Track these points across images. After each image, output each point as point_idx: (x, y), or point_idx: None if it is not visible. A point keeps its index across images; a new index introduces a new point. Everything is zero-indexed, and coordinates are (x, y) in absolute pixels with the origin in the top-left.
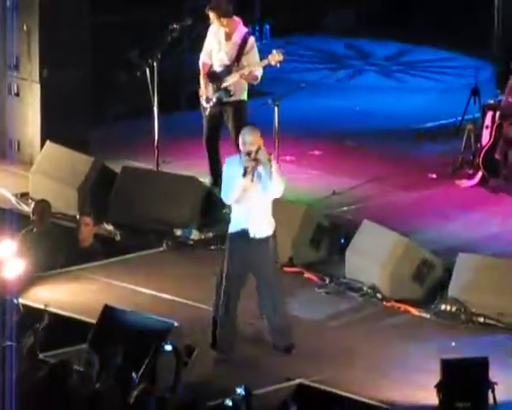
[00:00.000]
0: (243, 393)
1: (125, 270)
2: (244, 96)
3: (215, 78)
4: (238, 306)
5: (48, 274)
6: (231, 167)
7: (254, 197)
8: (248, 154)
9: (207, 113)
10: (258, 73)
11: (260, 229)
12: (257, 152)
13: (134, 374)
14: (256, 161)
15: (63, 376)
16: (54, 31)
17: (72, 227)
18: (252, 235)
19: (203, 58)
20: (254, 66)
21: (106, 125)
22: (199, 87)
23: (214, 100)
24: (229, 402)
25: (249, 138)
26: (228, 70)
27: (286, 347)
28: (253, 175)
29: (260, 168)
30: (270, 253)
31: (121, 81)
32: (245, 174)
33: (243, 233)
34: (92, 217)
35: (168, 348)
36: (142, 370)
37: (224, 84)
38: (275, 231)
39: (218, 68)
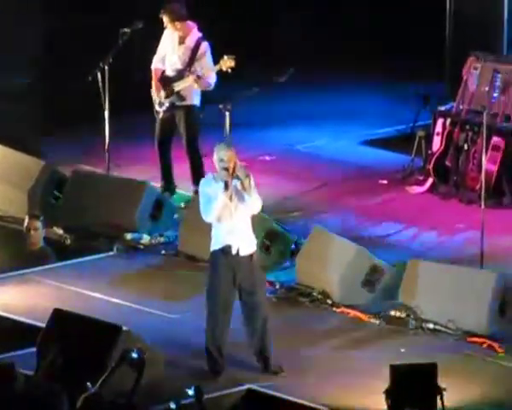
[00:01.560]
0: (194, 394)
1: (75, 274)
2: (196, 101)
3: (167, 82)
4: (226, 332)
5: None
6: (208, 185)
7: (235, 214)
8: (226, 170)
9: (160, 117)
10: (211, 79)
11: (243, 246)
12: (234, 168)
13: (88, 379)
14: (233, 176)
15: (8, 378)
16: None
17: (21, 230)
18: (234, 251)
19: (156, 63)
20: (207, 71)
21: (57, 128)
22: (151, 91)
23: (167, 104)
24: (172, 405)
25: (225, 155)
26: (180, 74)
27: (275, 369)
28: (231, 191)
29: (239, 184)
30: (257, 272)
31: (73, 85)
32: (226, 188)
33: (227, 250)
34: (41, 220)
35: (134, 355)
36: (103, 377)
37: (177, 89)
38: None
39: (170, 73)
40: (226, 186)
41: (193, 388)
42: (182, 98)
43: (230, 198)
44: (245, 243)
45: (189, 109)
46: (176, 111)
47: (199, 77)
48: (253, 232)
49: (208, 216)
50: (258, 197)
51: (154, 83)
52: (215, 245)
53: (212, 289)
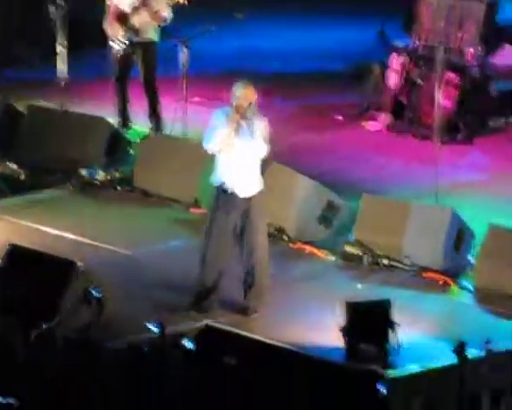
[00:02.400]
0: (156, 329)
1: (29, 209)
2: (154, 37)
3: (124, 18)
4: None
5: None
6: (217, 117)
7: (238, 153)
8: (237, 108)
9: (117, 54)
10: (167, 13)
11: (240, 186)
12: (247, 107)
13: (43, 315)
14: (242, 115)
15: None
16: None
17: None
18: (230, 190)
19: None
20: (162, 5)
21: (13, 64)
22: (107, 28)
23: (125, 41)
24: (133, 342)
25: (240, 92)
26: (136, 10)
27: (243, 308)
28: (238, 129)
29: (246, 124)
30: (254, 216)
31: (30, 22)
32: (230, 123)
33: (223, 187)
34: None
35: (95, 293)
36: (60, 313)
37: (133, 25)
38: (262, 195)
39: (126, 9)
40: (229, 124)
41: (155, 323)
42: (139, 34)
43: (233, 134)
44: (243, 184)
45: (148, 45)
46: (134, 47)
47: (154, 11)
48: (258, 175)
49: (206, 144)
50: (262, 143)
51: (110, 20)
52: (214, 179)
53: (208, 227)
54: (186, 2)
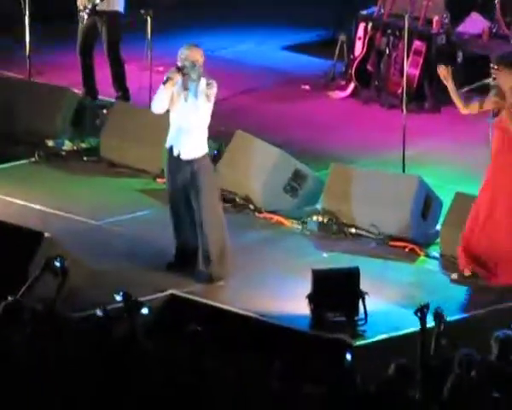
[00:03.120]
0: (122, 299)
1: None
2: (119, 8)
3: None
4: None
5: None
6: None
7: (180, 114)
8: (179, 68)
9: (83, 23)
10: None
11: (184, 149)
12: (190, 68)
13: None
14: (183, 74)
15: None
16: None
17: None
18: (176, 153)
19: None
20: None
21: None
22: None
23: (90, 7)
24: (99, 312)
25: (184, 53)
26: None
27: (205, 276)
28: (178, 89)
29: (189, 84)
30: (200, 177)
31: None
32: (165, 83)
33: (171, 150)
34: None
35: (57, 263)
36: (25, 286)
37: None
38: (210, 159)
39: None
40: (166, 81)
41: (121, 293)
42: (105, 2)
43: (172, 93)
44: (187, 146)
45: (112, 15)
46: (98, 17)
47: None
48: (203, 138)
49: (151, 105)
50: (205, 104)
51: None
52: (167, 143)
53: (168, 191)
54: None
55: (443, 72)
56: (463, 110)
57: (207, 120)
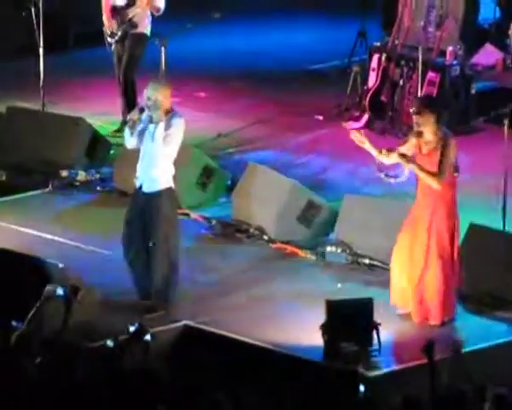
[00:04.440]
0: (137, 330)
1: (10, 210)
2: (147, 30)
3: (118, 11)
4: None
5: None
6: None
7: (145, 147)
8: (141, 108)
9: (113, 50)
10: (161, 3)
11: (146, 183)
12: (152, 106)
13: (19, 318)
14: (153, 114)
15: None
16: None
17: None
18: (138, 185)
19: None
20: None
21: None
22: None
23: (119, 34)
24: (109, 343)
25: (145, 92)
26: (129, 3)
27: (148, 307)
28: (133, 127)
29: (150, 122)
30: (158, 213)
31: (5, 19)
32: (127, 124)
33: (135, 182)
34: None
35: (60, 292)
36: (30, 315)
37: (129, 16)
38: (171, 193)
39: (119, 2)
40: (129, 121)
41: (136, 324)
42: (134, 26)
43: (130, 132)
44: (147, 180)
45: (139, 37)
46: (127, 40)
47: (150, 0)
48: (164, 174)
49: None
50: (162, 143)
51: (104, 14)
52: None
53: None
54: None
55: (356, 138)
56: (387, 160)
57: (171, 155)
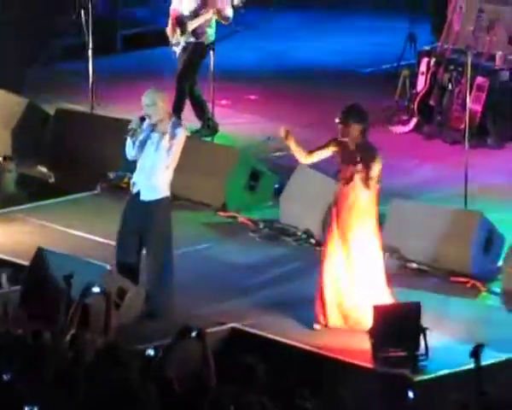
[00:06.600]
0: (197, 335)
1: (58, 212)
2: (209, 41)
3: (183, 21)
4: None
5: None
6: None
7: (145, 154)
8: (141, 117)
9: (178, 57)
10: (230, 13)
11: (143, 190)
12: (152, 115)
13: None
14: (154, 124)
15: None
16: None
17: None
18: (135, 191)
19: (174, 4)
20: (226, 5)
21: (40, 66)
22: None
23: (183, 43)
24: (150, 352)
25: (145, 100)
26: (196, 13)
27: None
28: (133, 136)
29: (143, 135)
30: (154, 221)
31: (56, 22)
32: (128, 134)
33: (133, 186)
34: (16, 162)
35: (96, 290)
36: (70, 314)
37: (192, 27)
38: (167, 202)
39: (186, 12)
40: (130, 131)
41: (196, 330)
42: (197, 36)
43: (131, 142)
44: (146, 188)
45: (199, 46)
46: (188, 49)
47: (219, 10)
48: (163, 183)
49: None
50: (161, 154)
51: (170, 23)
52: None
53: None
54: (241, 4)
55: (283, 132)
56: (305, 160)
57: (172, 164)
